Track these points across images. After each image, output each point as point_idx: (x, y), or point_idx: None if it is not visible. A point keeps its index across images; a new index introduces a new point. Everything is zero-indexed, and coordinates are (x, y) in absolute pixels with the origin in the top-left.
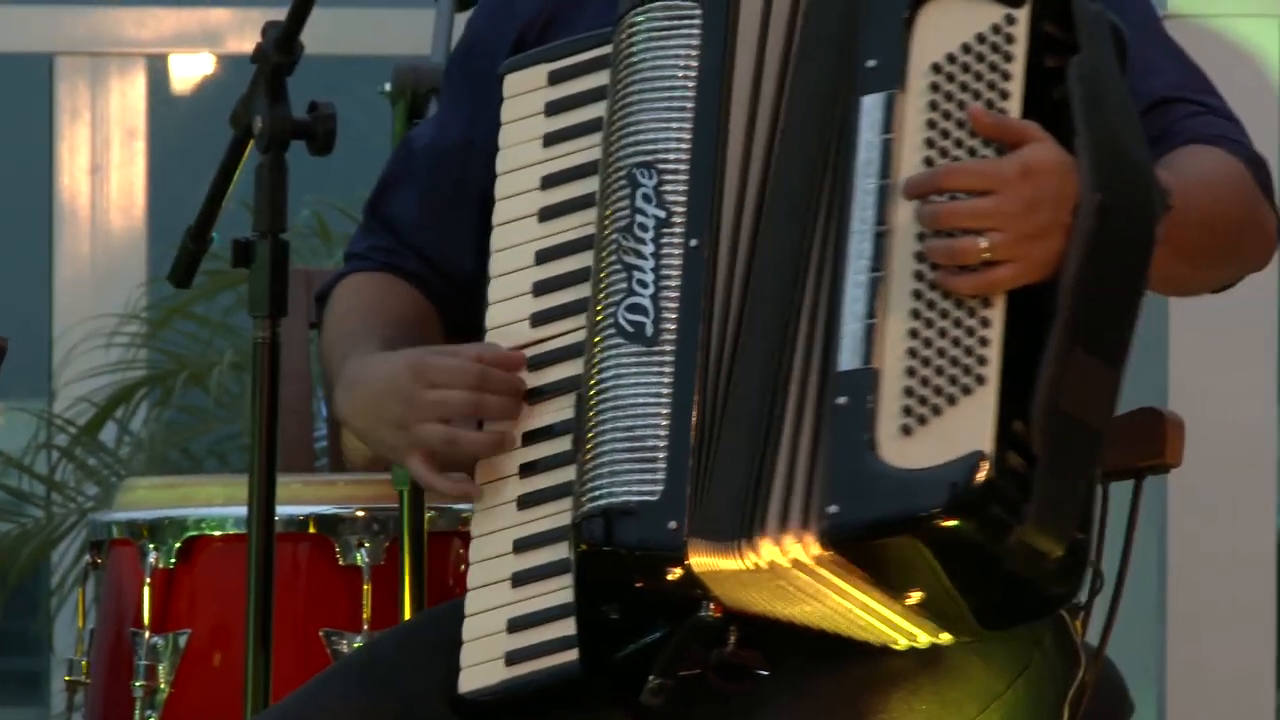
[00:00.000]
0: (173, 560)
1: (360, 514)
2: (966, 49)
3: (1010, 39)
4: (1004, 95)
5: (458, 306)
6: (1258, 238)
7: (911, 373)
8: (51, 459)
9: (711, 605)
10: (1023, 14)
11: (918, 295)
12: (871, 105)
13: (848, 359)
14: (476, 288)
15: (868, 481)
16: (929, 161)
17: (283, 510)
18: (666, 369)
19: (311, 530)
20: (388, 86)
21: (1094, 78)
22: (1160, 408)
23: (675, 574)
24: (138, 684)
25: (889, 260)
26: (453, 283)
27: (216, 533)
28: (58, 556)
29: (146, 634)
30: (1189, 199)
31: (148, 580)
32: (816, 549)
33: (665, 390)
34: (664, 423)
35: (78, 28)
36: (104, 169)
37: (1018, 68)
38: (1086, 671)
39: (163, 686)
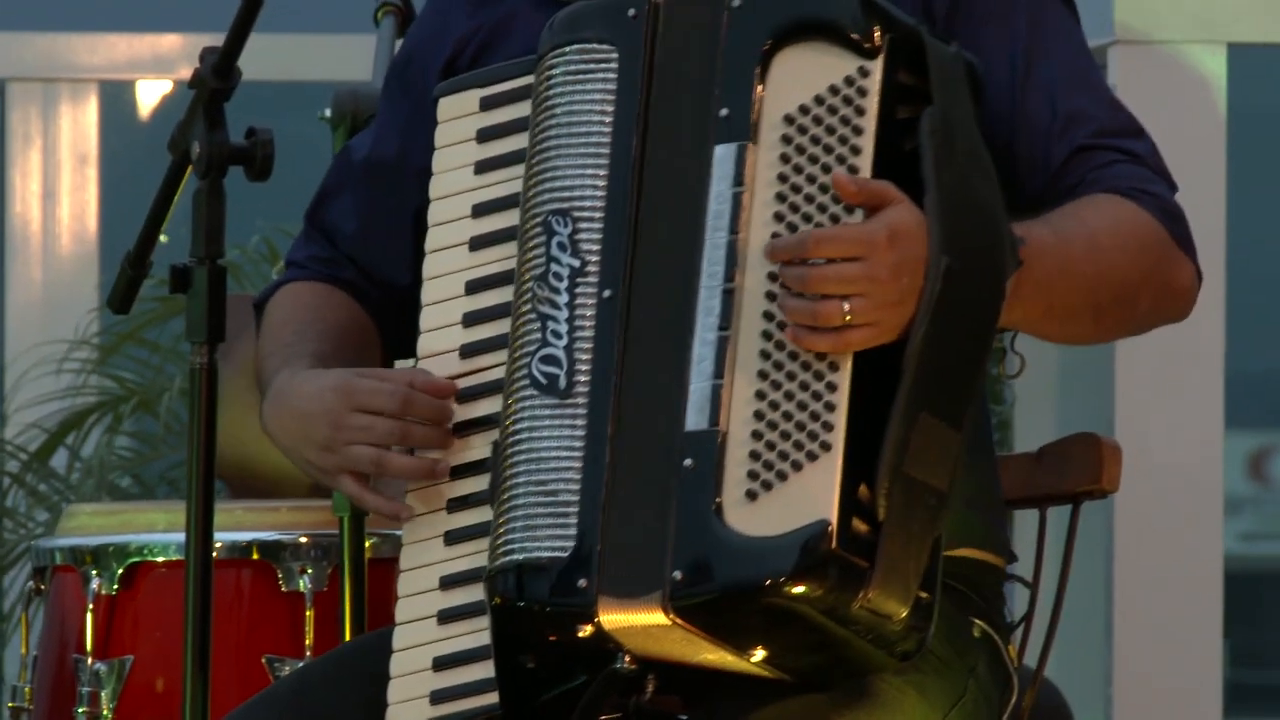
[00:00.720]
0: (115, 586)
1: (303, 540)
2: (819, 100)
3: (863, 91)
4: (855, 150)
5: (395, 318)
6: (1163, 294)
7: (758, 436)
8: (2, 485)
9: (626, 656)
10: (876, 65)
11: (765, 356)
12: (723, 156)
13: (694, 419)
14: (413, 301)
15: (712, 548)
16: (779, 216)
17: (225, 536)
18: (579, 423)
19: (254, 556)
20: (328, 112)
21: (945, 130)
22: (1098, 434)
23: (586, 630)
24: (80, 710)
25: (737, 319)
26: (390, 294)
27: (159, 559)
28: (8, 583)
29: (89, 660)
30: (1063, 260)
31: (90, 606)
32: (662, 615)
33: (578, 445)
34: (576, 478)
35: (30, 53)
36: (56, 195)
37: (870, 121)
38: (1022, 696)
39: (106, 713)
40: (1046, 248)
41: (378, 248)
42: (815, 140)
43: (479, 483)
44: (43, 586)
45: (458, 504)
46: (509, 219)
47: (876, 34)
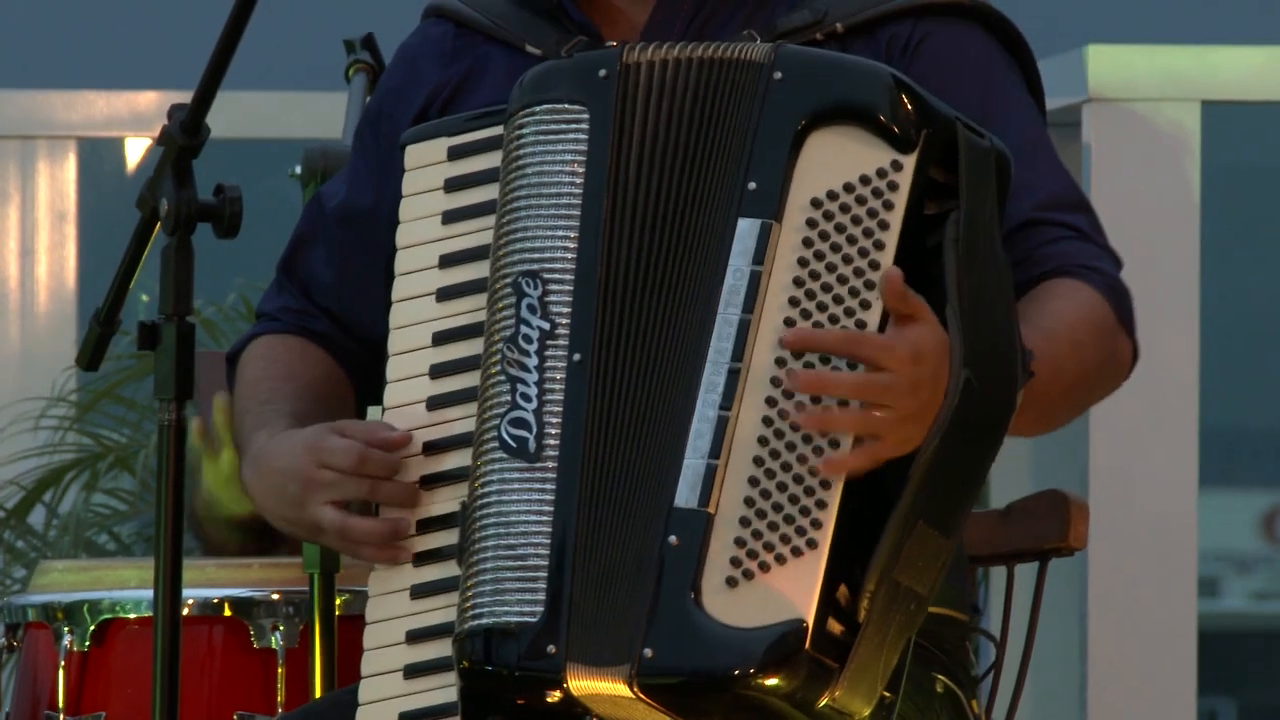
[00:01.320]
0: (87, 643)
1: (275, 597)
2: (849, 188)
3: (894, 186)
4: (879, 245)
5: (369, 369)
6: (1112, 374)
7: (746, 523)
8: None
9: (593, 719)
10: (910, 160)
11: (763, 442)
12: (746, 230)
13: (685, 496)
14: (385, 357)
15: (685, 631)
16: (794, 301)
17: (197, 593)
18: (549, 487)
19: (226, 613)
20: (299, 169)
21: (969, 237)
22: (1065, 490)
23: (555, 696)
24: None
25: (739, 400)
26: (365, 345)
27: (131, 615)
28: None
29: (61, 717)
30: (1055, 365)
31: (62, 663)
32: (626, 689)
33: (547, 509)
34: (545, 542)
35: (7, 110)
36: (34, 252)
37: (897, 216)
38: None
39: None
40: (1043, 355)
41: (353, 297)
42: (840, 229)
43: (446, 537)
44: (15, 643)
45: (424, 558)
46: (477, 270)
47: (914, 128)
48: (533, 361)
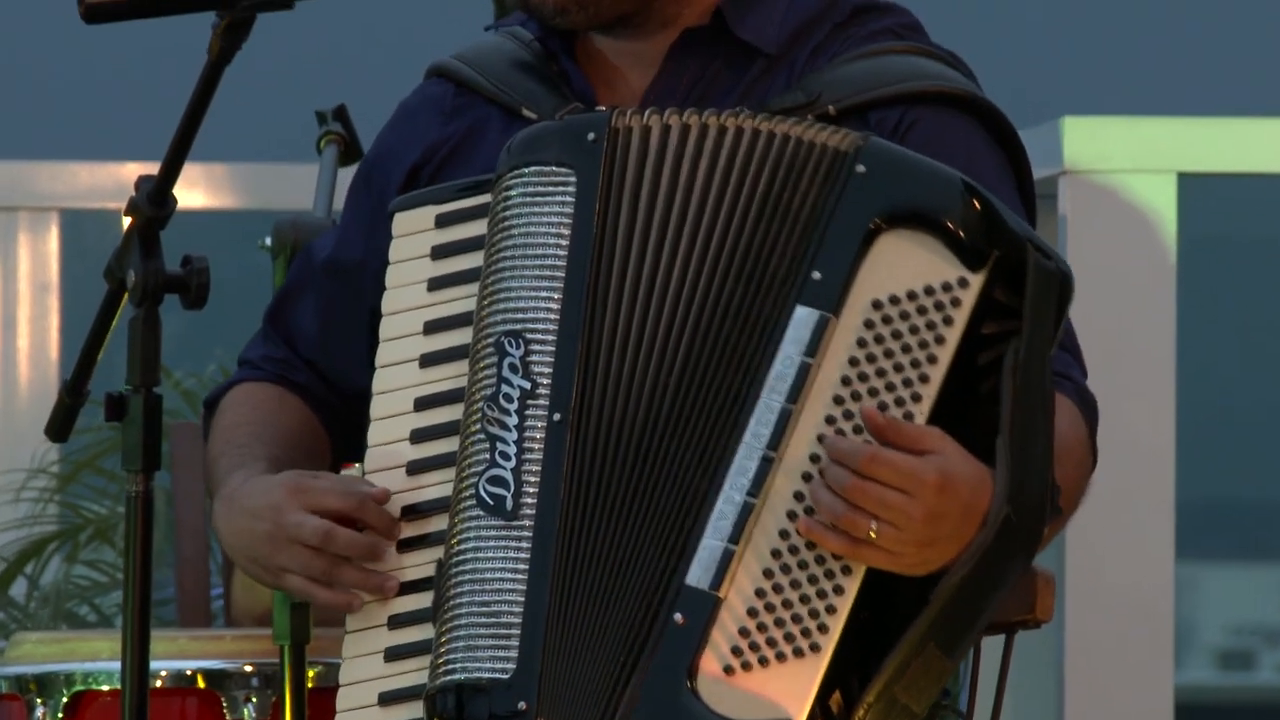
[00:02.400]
0: (60, 715)
1: (248, 669)
2: (912, 296)
3: (956, 302)
4: (932, 359)
5: (347, 421)
6: (1086, 488)
7: (753, 614)
8: None
9: None
10: (977, 280)
11: (784, 536)
12: (803, 319)
13: (697, 575)
14: (366, 405)
15: (675, 712)
16: (839, 400)
17: (170, 665)
18: (525, 545)
19: (200, 685)
20: (269, 240)
21: (1027, 365)
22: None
23: None
24: None
25: (767, 490)
26: (344, 398)
27: (105, 687)
28: None
29: None
30: (1068, 495)
31: None
32: None
33: (522, 567)
34: (519, 600)
35: None
36: (15, 323)
37: (955, 333)
38: None
39: None
40: (1062, 486)
41: (336, 349)
42: (896, 335)
43: (422, 600)
44: None
45: (397, 621)
46: (460, 337)
47: (986, 247)
48: (513, 420)
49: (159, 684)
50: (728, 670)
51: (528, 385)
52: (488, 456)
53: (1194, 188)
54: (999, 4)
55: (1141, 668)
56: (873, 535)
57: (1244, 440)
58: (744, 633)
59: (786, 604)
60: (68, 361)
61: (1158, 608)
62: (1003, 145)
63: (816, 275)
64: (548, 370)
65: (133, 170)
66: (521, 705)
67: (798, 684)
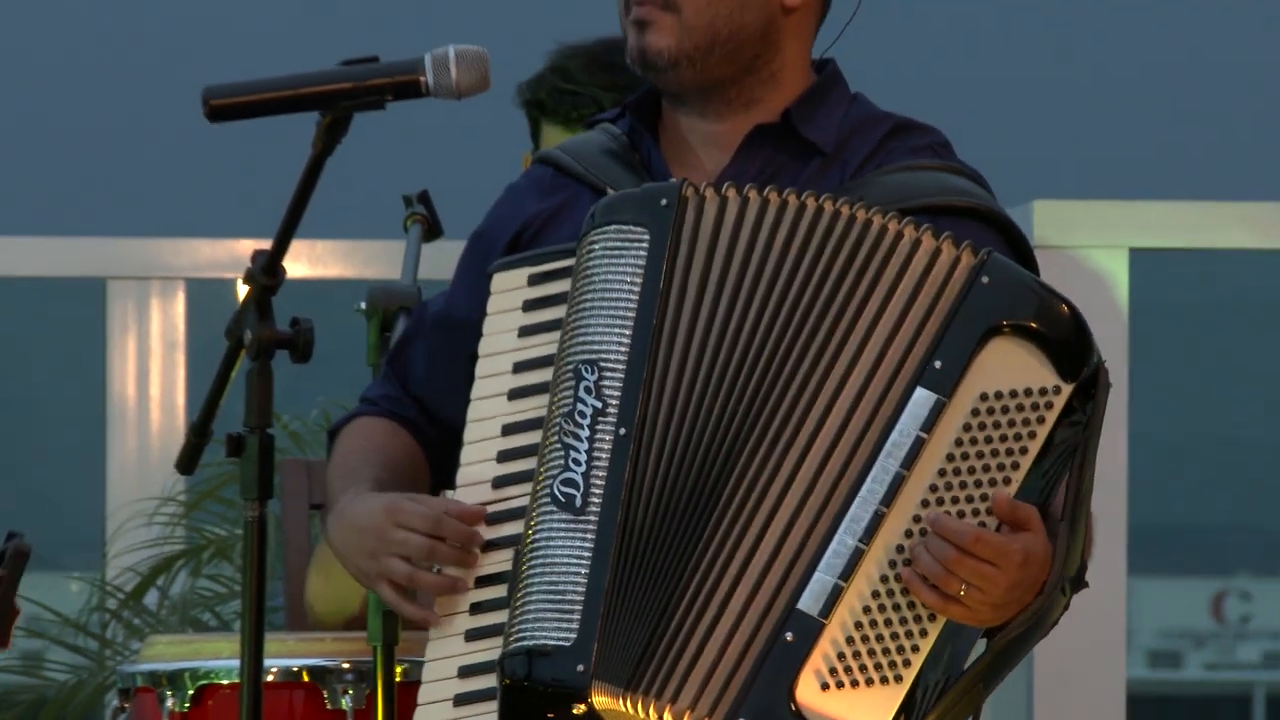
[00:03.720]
0: (187, 705)
1: (345, 666)
2: (1014, 394)
3: (1049, 405)
4: (1024, 451)
5: (446, 452)
6: None
7: (850, 642)
8: (104, 620)
9: None
10: (1068, 389)
11: (884, 580)
12: (922, 399)
13: (808, 603)
14: (462, 434)
15: (775, 712)
16: (942, 472)
17: (280, 662)
18: (590, 536)
19: (305, 679)
20: (363, 305)
21: (1084, 464)
22: None
23: (580, 709)
24: None
25: (876, 539)
26: (445, 431)
27: (224, 681)
28: (108, 700)
29: None
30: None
31: None
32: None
33: (586, 554)
34: (582, 581)
35: (126, 256)
36: (148, 375)
37: (1044, 429)
38: None
39: None
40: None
41: (440, 389)
42: (997, 425)
43: (497, 591)
44: (126, 705)
45: (477, 608)
46: (543, 375)
47: (1079, 365)
48: (585, 433)
49: (271, 679)
50: (824, 687)
51: (599, 405)
52: (562, 462)
53: (1143, 261)
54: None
55: (1098, 669)
56: (961, 595)
57: (1180, 474)
58: (841, 657)
59: (879, 638)
60: (193, 407)
61: (1112, 617)
62: (1016, 249)
63: (938, 364)
64: (617, 393)
65: (246, 245)
66: (580, 668)
67: (881, 706)
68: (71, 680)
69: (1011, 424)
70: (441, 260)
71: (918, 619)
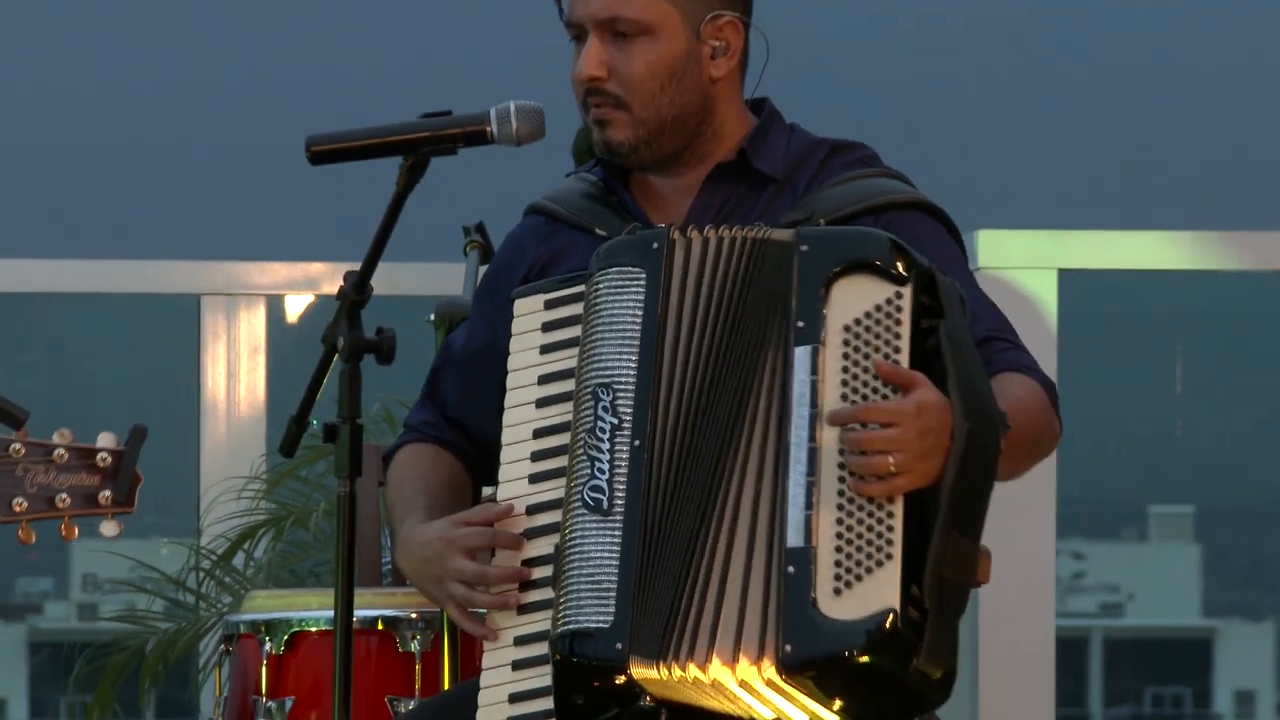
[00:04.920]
0: (282, 648)
1: (414, 615)
2: (868, 314)
3: (899, 309)
4: (896, 350)
5: (482, 463)
6: (1049, 440)
7: (839, 549)
8: (199, 578)
9: (648, 698)
10: (908, 290)
11: (840, 494)
12: (802, 354)
13: (793, 538)
14: (496, 447)
15: (814, 628)
16: (844, 397)
17: (359, 613)
18: (617, 532)
19: (379, 627)
20: (432, 316)
21: (956, 334)
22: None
23: (620, 679)
24: None
25: (819, 469)
26: (480, 445)
27: (313, 629)
28: (203, 646)
29: (264, 699)
30: (1016, 420)
31: (264, 662)
32: (772, 674)
33: (616, 548)
34: (614, 571)
35: (217, 276)
36: (236, 375)
37: (905, 329)
38: None
39: None
40: (1012, 416)
41: (473, 408)
42: (866, 343)
43: (544, 571)
44: (230, 648)
45: (529, 586)
46: (564, 386)
47: (906, 269)
48: (605, 446)
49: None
50: (836, 591)
51: (615, 421)
52: (589, 471)
53: (1070, 281)
54: (932, 147)
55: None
56: (892, 467)
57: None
58: (838, 564)
59: (858, 535)
60: (272, 402)
61: (1042, 572)
62: (949, 229)
63: (800, 324)
64: (629, 410)
65: (319, 267)
66: (618, 646)
67: (886, 585)
68: (171, 629)
69: (877, 335)
70: None
71: (880, 506)
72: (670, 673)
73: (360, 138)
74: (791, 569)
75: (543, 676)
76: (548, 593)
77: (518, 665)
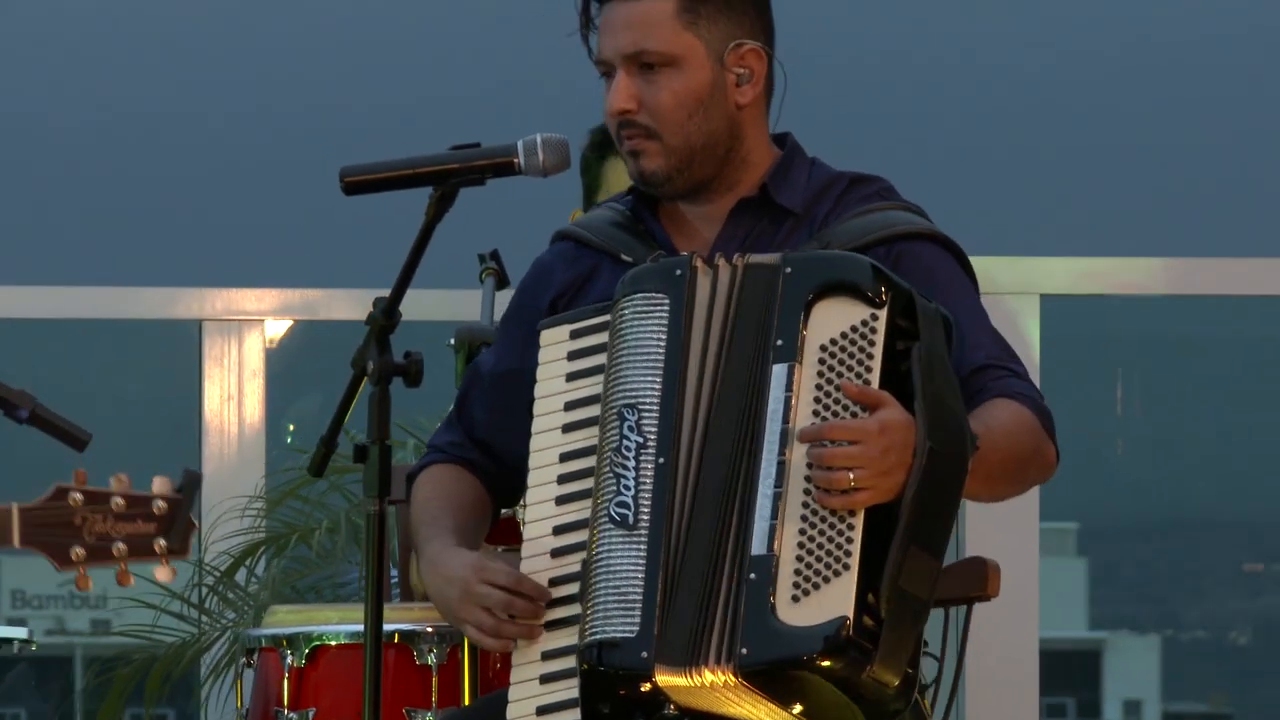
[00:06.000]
0: (303, 661)
1: (430, 630)
2: (844, 335)
3: (874, 330)
4: (868, 369)
5: (504, 484)
6: (1040, 467)
7: (800, 559)
8: (202, 594)
9: (672, 705)
10: (883, 314)
11: (805, 505)
12: (778, 372)
13: (757, 547)
14: (519, 469)
15: (768, 633)
16: (816, 414)
17: None
18: (642, 546)
19: (397, 640)
20: (452, 341)
21: (929, 358)
22: (983, 557)
23: (646, 687)
24: None
25: (786, 480)
26: (503, 466)
27: (333, 643)
28: (206, 660)
29: (285, 711)
30: (992, 443)
31: (286, 675)
32: (730, 678)
33: (641, 561)
34: (640, 583)
35: (217, 302)
36: (236, 397)
37: (878, 350)
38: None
39: None
40: (985, 437)
41: (500, 429)
42: (841, 362)
43: (571, 588)
44: (252, 662)
45: (556, 603)
46: (588, 411)
47: (883, 293)
48: (631, 464)
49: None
50: (795, 599)
51: (641, 440)
52: (614, 488)
53: (1052, 305)
54: (924, 180)
55: (1013, 626)
56: (853, 482)
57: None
58: (797, 572)
59: (819, 546)
60: (270, 424)
61: (1027, 573)
62: (958, 260)
63: (779, 342)
64: (654, 429)
65: (314, 294)
66: (644, 654)
67: (842, 594)
68: (176, 642)
69: (851, 355)
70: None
71: (841, 519)
72: (693, 679)
73: (392, 169)
74: (753, 575)
75: (569, 689)
76: (574, 609)
77: (545, 679)
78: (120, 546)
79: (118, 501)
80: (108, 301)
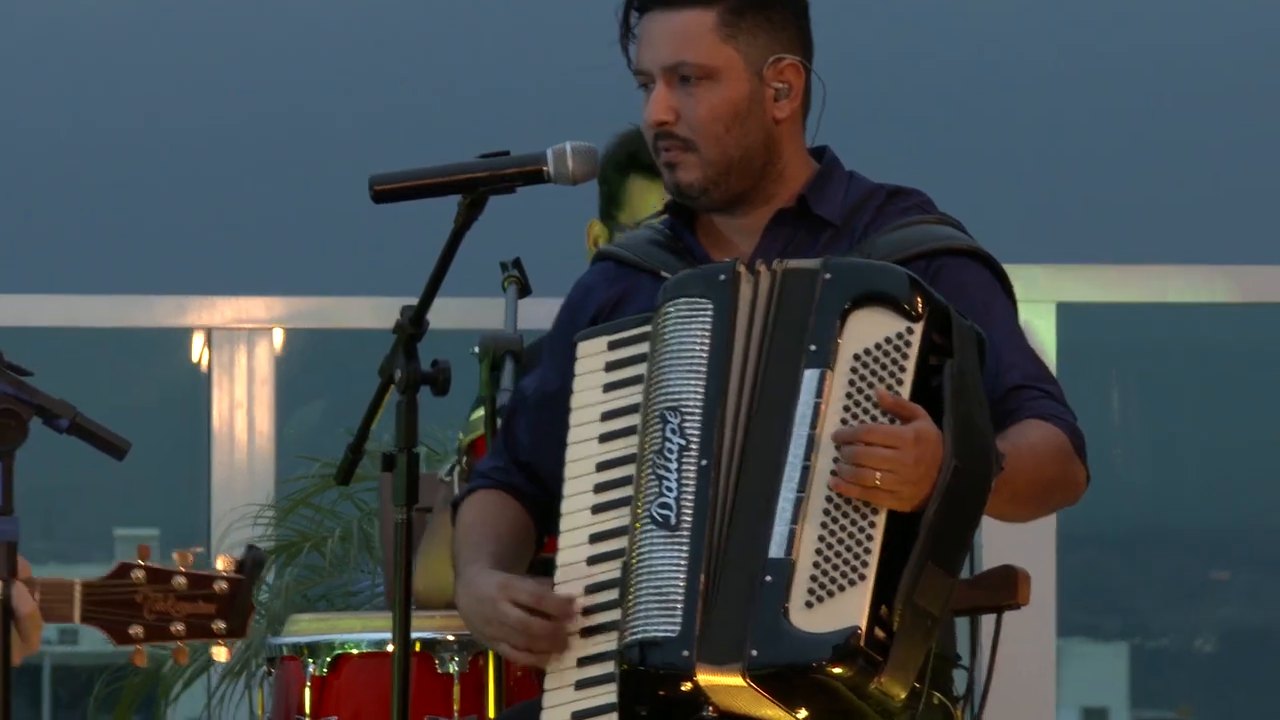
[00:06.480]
0: (325, 669)
1: (451, 638)
2: (879, 346)
3: (908, 344)
4: (900, 382)
5: (546, 507)
6: (1069, 488)
7: (817, 565)
8: None
9: (710, 708)
10: (919, 327)
11: (826, 513)
12: (810, 377)
13: (775, 550)
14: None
15: (779, 637)
16: (844, 421)
17: None
18: (684, 546)
19: (418, 649)
20: (476, 349)
21: (960, 376)
22: (1014, 565)
23: (687, 687)
24: None
25: (809, 486)
26: (548, 490)
27: (355, 651)
28: (215, 669)
29: (307, 719)
30: (1019, 464)
31: (308, 683)
32: (739, 679)
33: (682, 562)
34: (681, 583)
35: (227, 310)
36: (245, 405)
37: (911, 364)
38: None
39: None
40: (1011, 457)
41: (546, 451)
42: (873, 373)
43: (609, 594)
44: (273, 670)
45: (592, 610)
46: (625, 422)
47: (920, 307)
48: (673, 466)
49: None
50: (809, 604)
51: (683, 442)
52: (657, 489)
53: (1067, 313)
54: (944, 190)
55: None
56: (878, 481)
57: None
58: (813, 578)
59: (837, 554)
60: (279, 432)
61: (1043, 576)
62: (997, 277)
63: (813, 347)
64: (696, 432)
65: (327, 301)
66: (685, 653)
67: (856, 603)
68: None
69: (884, 366)
70: (532, 313)
71: (861, 528)
72: (732, 679)
73: (422, 177)
74: (769, 578)
75: (606, 695)
76: (609, 615)
77: (581, 685)
78: (179, 626)
79: (179, 581)
80: (117, 310)
